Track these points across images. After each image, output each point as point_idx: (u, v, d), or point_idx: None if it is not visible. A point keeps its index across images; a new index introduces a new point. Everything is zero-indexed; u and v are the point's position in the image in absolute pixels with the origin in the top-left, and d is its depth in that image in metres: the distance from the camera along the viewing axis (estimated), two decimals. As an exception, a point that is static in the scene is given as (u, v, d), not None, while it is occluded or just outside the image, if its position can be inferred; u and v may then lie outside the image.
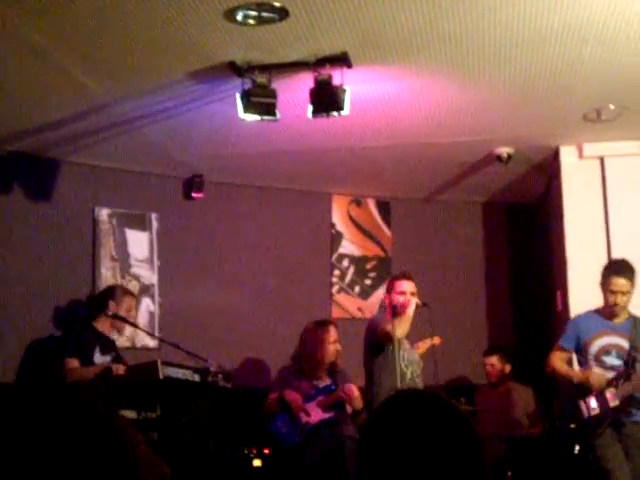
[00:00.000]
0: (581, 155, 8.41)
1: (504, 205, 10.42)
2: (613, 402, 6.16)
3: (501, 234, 10.42)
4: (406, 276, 6.89)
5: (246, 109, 6.12)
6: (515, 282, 10.30)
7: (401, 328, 6.58)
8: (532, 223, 10.17)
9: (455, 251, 10.04)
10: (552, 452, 6.83)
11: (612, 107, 7.38)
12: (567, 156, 8.47)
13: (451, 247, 10.05)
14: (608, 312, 6.42)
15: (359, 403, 7.32)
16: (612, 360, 6.25)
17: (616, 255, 8.04)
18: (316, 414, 7.25)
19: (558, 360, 6.57)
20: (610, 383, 6.22)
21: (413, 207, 10.18)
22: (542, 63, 6.36)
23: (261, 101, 6.09)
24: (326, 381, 7.53)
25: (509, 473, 7.72)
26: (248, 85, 6.09)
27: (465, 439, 1.78)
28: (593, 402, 6.25)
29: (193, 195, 9.01)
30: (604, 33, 5.87)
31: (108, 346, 7.54)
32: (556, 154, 8.52)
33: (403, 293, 6.75)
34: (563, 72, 6.55)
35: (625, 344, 6.25)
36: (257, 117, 6.21)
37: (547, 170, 8.96)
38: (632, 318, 6.42)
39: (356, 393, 7.33)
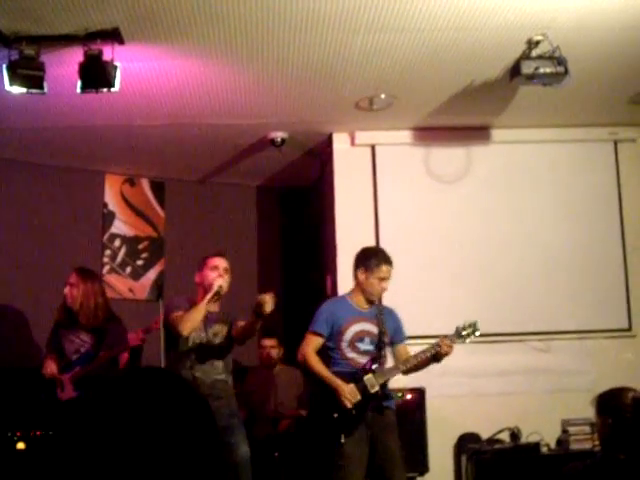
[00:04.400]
0: (353, 142, 8.63)
1: (278, 189, 10.54)
2: (373, 389, 6.29)
3: (275, 218, 10.56)
4: (220, 253, 6.70)
5: (12, 81, 5.95)
6: (287, 265, 10.44)
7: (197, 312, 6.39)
8: (306, 208, 10.33)
9: (229, 233, 10.07)
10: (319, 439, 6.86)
11: (383, 96, 7.57)
12: (340, 143, 8.67)
13: (225, 229, 10.07)
14: (365, 298, 6.52)
15: None
16: (365, 346, 6.36)
17: (384, 240, 8.27)
18: (67, 388, 6.93)
19: (314, 354, 6.55)
20: (365, 368, 6.36)
21: (187, 188, 10.15)
22: (316, 49, 6.45)
23: (28, 73, 5.93)
24: (86, 339, 7.11)
25: (276, 454, 7.80)
26: (15, 56, 5.91)
27: (194, 413, 1.78)
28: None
29: (-43, 169, 8.68)
30: (375, 22, 6.00)
31: None
32: (329, 140, 8.70)
33: (216, 268, 6.57)
34: (336, 59, 6.66)
35: (375, 330, 6.40)
36: (24, 90, 6.04)
37: (320, 156, 9.10)
38: (375, 305, 6.58)
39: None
